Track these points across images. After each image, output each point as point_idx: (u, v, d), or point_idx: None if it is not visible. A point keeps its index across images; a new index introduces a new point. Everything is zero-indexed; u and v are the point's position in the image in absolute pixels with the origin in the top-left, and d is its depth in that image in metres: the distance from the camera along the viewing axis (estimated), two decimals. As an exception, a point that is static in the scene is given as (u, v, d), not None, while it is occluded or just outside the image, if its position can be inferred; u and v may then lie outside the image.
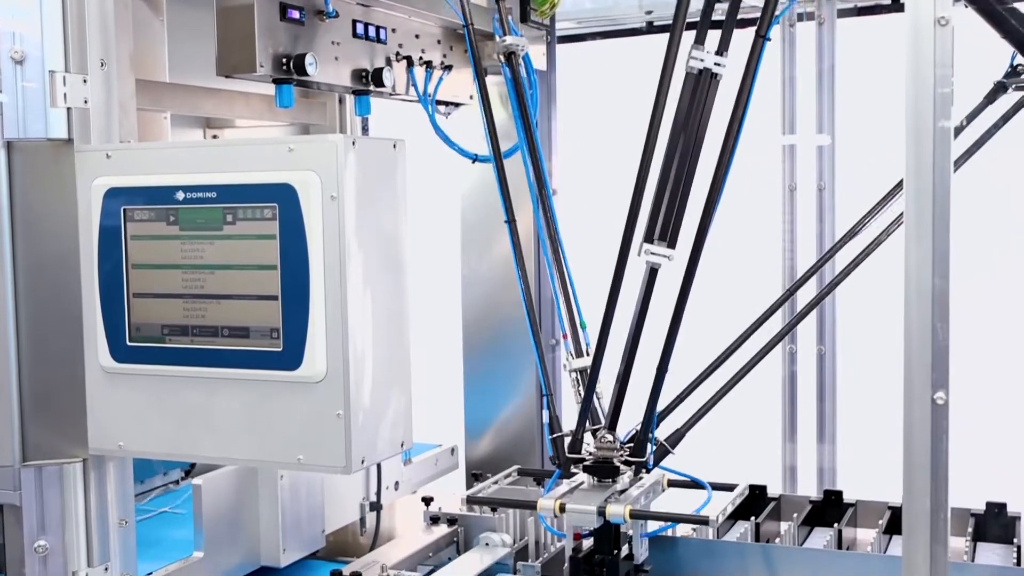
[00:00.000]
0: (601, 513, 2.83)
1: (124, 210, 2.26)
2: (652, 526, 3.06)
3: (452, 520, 3.31)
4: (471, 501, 3.14)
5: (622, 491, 2.94)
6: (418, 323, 2.45)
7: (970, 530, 3.23)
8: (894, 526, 3.30)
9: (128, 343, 2.28)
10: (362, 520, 3.46)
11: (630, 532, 3.02)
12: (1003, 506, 3.32)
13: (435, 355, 4.07)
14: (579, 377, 3.11)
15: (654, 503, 3.05)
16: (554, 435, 3.02)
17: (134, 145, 2.37)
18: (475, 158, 3.42)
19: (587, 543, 3.07)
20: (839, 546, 3.18)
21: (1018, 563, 3.03)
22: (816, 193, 3.99)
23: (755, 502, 3.52)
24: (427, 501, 3.40)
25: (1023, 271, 4.38)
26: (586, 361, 3.09)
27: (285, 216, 2.12)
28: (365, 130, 3.55)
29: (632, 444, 2.99)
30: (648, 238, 2.81)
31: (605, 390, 3.07)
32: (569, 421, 3.09)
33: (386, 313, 2.23)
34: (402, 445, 2.29)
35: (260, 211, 2.15)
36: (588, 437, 3.04)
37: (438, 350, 4.21)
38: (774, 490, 3.62)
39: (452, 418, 4.11)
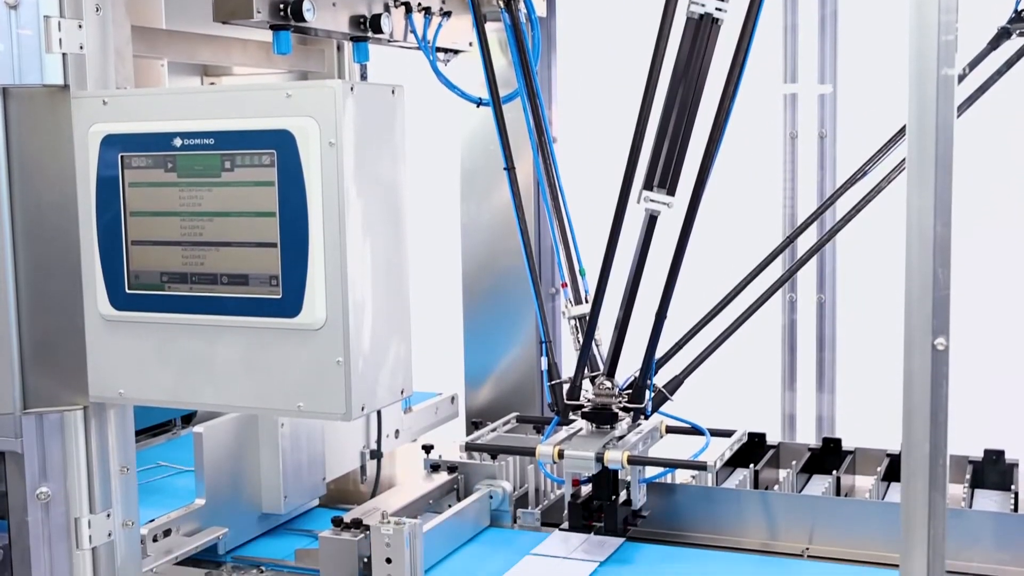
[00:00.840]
0: (599, 459, 2.85)
1: (121, 157, 2.25)
2: (650, 472, 3.08)
3: (452, 468, 3.33)
4: (470, 448, 3.16)
5: (620, 437, 2.96)
6: (418, 272, 2.45)
7: (968, 477, 3.25)
8: (893, 473, 3.32)
9: (127, 291, 2.27)
10: (363, 468, 3.48)
11: (628, 478, 3.04)
12: (1001, 453, 3.34)
13: (435, 304, 4.07)
14: (578, 324, 3.12)
15: (652, 449, 3.07)
16: (553, 382, 3.03)
17: (131, 91, 2.35)
18: (479, 102, 3.40)
19: (586, 489, 3.09)
20: (837, 493, 3.20)
21: (1015, 509, 3.05)
22: (817, 141, 3.97)
23: (754, 449, 3.54)
24: (427, 449, 3.41)
25: (1024, 219, 4.37)
26: (585, 308, 3.09)
27: (283, 163, 2.11)
28: (364, 77, 3.52)
29: (631, 391, 3.00)
30: (648, 185, 2.81)
31: (604, 337, 3.08)
32: (568, 368, 3.10)
33: (385, 260, 2.22)
34: (402, 392, 2.29)
35: (258, 158, 2.13)
36: (587, 384, 3.05)
37: (438, 299, 4.21)
38: (773, 438, 3.64)
39: (452, 367, 4.11)
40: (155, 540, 2.80)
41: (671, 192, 2.81)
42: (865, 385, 4.29)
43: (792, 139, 4.00)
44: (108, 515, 2.38)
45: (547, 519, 3.26)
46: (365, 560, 2.73)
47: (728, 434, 3.10)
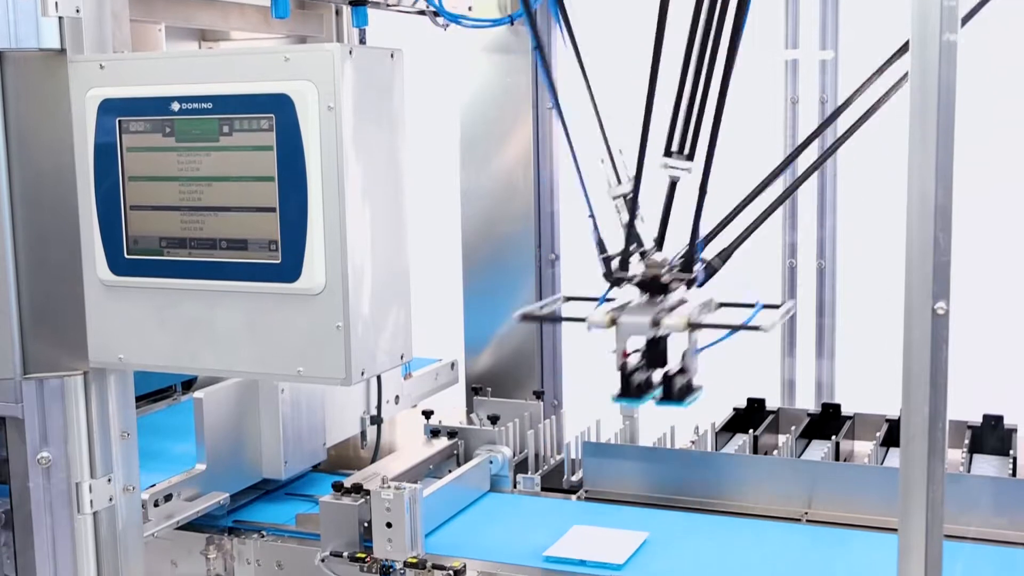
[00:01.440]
0: (656, 323, 2.77)
1: (119, 122, 2.24)
2: (703, 343, 3.00)
3: (452, 433, 3.34)
4: (526, 318, 3.02)
5: (672, 308, 2.87)
6: (417, 238, 2.44)
7: (967, 442, 3.26)
8: (892, 439, 3.32)
9: (126, 256, 2.27)
10: (363, 433, 3.49)
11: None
12: (1000, 419, 3.35)
13: (434, 270, 4.06)
14: (624, 200, 3.02)
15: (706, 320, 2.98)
16: (603, 255, 2.95)
17: (128, 55, 2.34)
18: (511, 19, 3.37)
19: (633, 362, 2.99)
20: (836, 458, 3.20)
21: (1014, 474, 3.05)
22: (818, 106, 3.95)
23: (753, 415, 3.55)
24: (427, 415, 3.42)
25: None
26: (626, 187, 3.01)
27: (282, 127, 2.10)
28: (362, 42, 3.50)
29: (681, 262, 2.92)
30: (667, 152, 2.78)
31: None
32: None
33: (385, 225, 2.22)
34: (402, 357, 2.29)
35: (256, 122, 2.12)
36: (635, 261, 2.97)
37: (437, 265, 4.20)
38: (772, 404, 3.64)
39: (452, 333, 4.12)
40: (156, 505, 2.81)
41: (690, 158, 2.78)
42: (864, 351, 4.30)
43: (793, 104, 3.99)
44: (109, 480, 2.39)
45: (547, 484, 3.28)
46: (365, 525, 2.74)
47: (776, 307, 3.02)
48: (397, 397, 3.63)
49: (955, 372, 1.83)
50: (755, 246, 3.09)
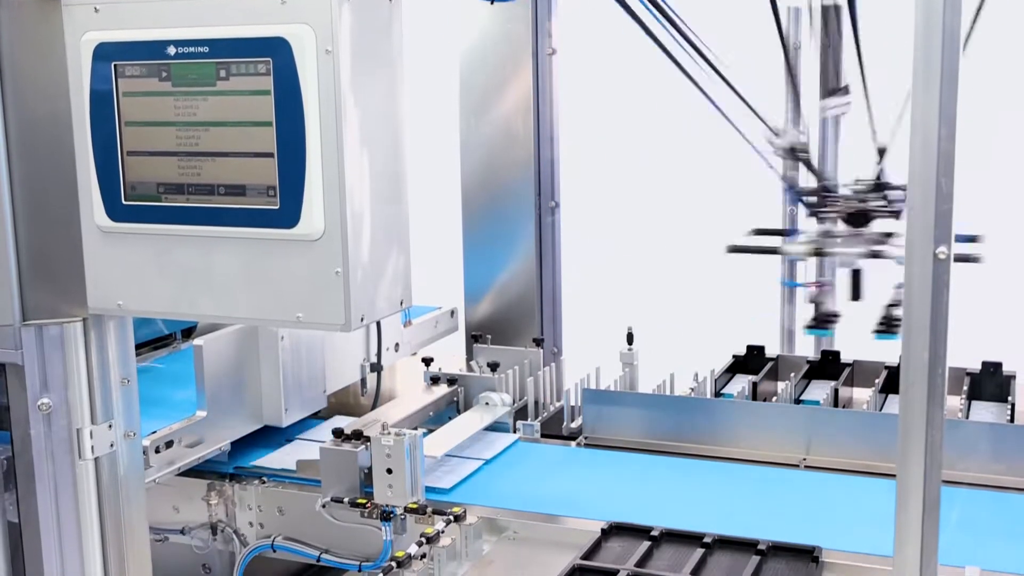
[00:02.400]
0: (875, 254, 2.70)
1: (115, 66, 2.21)
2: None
3: (452, 380, 3.35)
4: (733, 250, 2.97)
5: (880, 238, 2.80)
6: (417, 187, 2.43)
7: (965, 389, 3.27)
8: (891, 386, 3.33)
9: (124, 202, 2.26)
10: (363, 381, 3.50)
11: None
12: (999, 365, 3.36)
13: (434, 219, 4.05)
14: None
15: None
16: (796, 190, 2.88)
17: (123, -1, 2.31)
18: None
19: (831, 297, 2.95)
20: (835, 405, 3.21)
21: (1012, 420, 3.06)
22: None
23: (753, 361, 3.56)
24: (427, 362, 3.43)
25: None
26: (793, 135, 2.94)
27: (279, 71, 2.08)
28: (360, -14, 3.46)
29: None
30: None
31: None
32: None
33: (383, 170, 2.20)
34: (401, 303, 2.29)
35: (253, 66, 2.10)
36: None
37: (437, 214, 4.19)
38: (772, 351, 3.65)
39: (452, 282, 4.11)
40: (157, 451, 2.82)
41: None
42: (865, 299, 4.29)
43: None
44: (110, 426, 2.39)
45: (547, 430, 3.29)
46: (366, 471, 2.75)
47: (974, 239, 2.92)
48: (397, 345, 3.64)
49: (954, 319, 1.82)
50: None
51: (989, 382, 3.34)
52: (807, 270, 2.87)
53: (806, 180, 2.91)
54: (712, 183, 3.27)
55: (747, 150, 2.99)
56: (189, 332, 3.83)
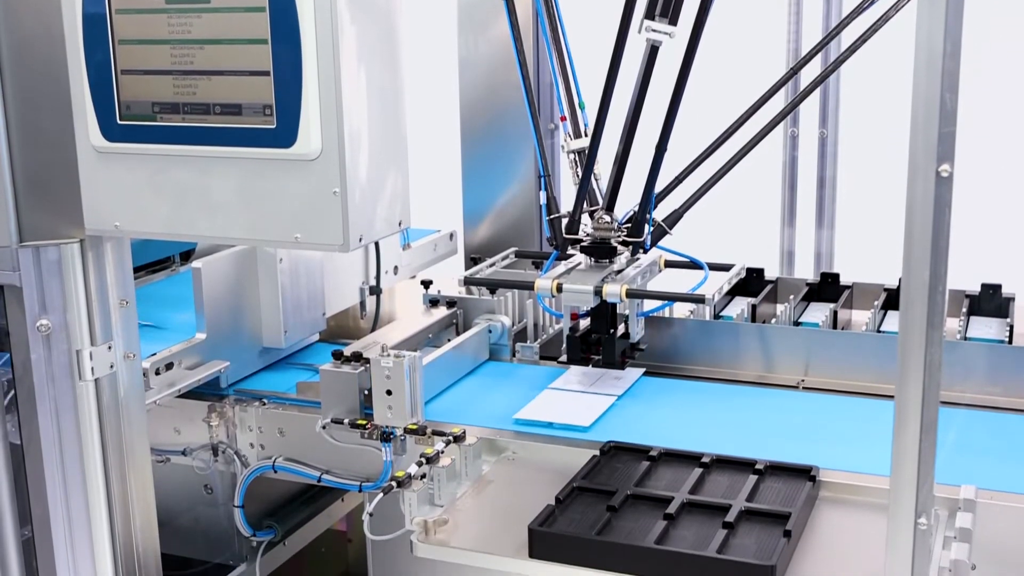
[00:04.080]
0: (598, 292, 2.86)
1: (107, -18, 2.18)
2: (649, 305, 3.10)
3: (451, 303, 3.34)
4: (469, 282, 3.16)
5: (619, 271, 2.96)
6: (415, 108, 2.40)
7: (964, 311, 3.26)
8: (889, 307, 3.32)
9: (119, 122, 2.24)
10: (362, 304, 3.50)
11: (627, 312, 3.05)
12: (998, 287, 3.35)
13: (432, 141, 4.02)
14: (577, 158, 3.09)
15: (651, 283, 3.08)
16: (551, 216, 3.02)
17: (115, -87, 2.26)
18: None
19: (585, 323, 3.11)
20: (834, 326, 3.21)
21: (1010, 341, 3.07)
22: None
23: (752, 284, 3.55)
24: (426, 284, 3.42)
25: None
26: (584, 142, 3.06)
27: (274, -13, 2.04)
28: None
29: (630, 225, 2.99)
30: (649, 14, 2.73)
31: (603, 171, 3.05)
32: (567, 204, 3.08)
33: (381, 90, 2.18)
34: (400, 224, 2.28)
35: (248, -18, 2.07)
36: (586, 219, 3.04)
37: (435, 135, 4.16)
38: (771, 274, 3.64)
39: (451, 204, 4.09)
40: (157, 373, 2.83)
41: (673, 22, 2.74)
42: (865, 222, 4.29)
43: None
44: (109, 347, 2.39)
45: (545, 353, 3.30)
46: (366, 392, 2.76)
47: (727, 268, 3.10)
48: (396, 267, 3.63)
49: (954, 241, 1.81)
50: (759, 115, 3.06)
51: (988, 303, 3.33)
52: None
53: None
54: (715, 102, 3.24)
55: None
56: (187, 255, 3.83)
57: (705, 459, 2.52)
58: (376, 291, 3.48)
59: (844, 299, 3.37)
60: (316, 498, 3.42)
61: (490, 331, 3.27)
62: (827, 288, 3.51)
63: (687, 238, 3.12)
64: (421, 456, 2.52)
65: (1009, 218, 4.46)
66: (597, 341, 3.07)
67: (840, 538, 2.31)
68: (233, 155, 2.16)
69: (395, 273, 3.62)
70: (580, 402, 2.91)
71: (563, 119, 3.13)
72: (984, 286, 3.35)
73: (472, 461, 2.61)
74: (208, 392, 3.00)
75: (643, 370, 3.11)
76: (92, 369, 2.37)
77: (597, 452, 2.59)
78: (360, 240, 2.14)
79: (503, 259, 3.35)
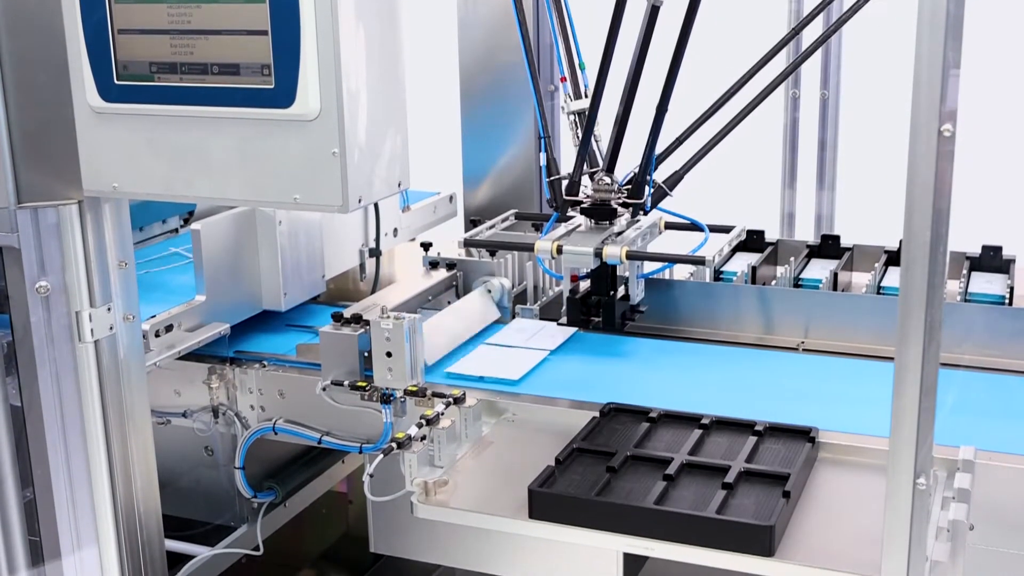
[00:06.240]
0: (598, 254, 2.85)
1: (103, -60, 2.16)
2: (648, 268, 3.09)
3: (451, 265, 3.34)
4: (468, 244, 3.16)
5: (619, 233, 2.95)
6: (414, 69, 2.39)
7: (965, 272, 3.26)
8: (891, 265, 3.32)
9: (116, 82, 2.22)
10: (362, 266, 3.49)
11: (627, 274, 3.05)
12: (999, 249, 3.34)
13: (432, 102, 4.00)
14: (577, 119, 3.08)
15: (651, 245, 3.07)
16: (552, 177, 3.01)
17: None
18: None
19: (584, 285, 3.11)
20: (834, 288, 3.21)
21: (1010, 302, 3.06)
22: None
23: (753, 246, 3.54)
24: (426, 247, 3.42)
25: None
26: (584, 103, 3.04)
27: (271, -55, 2.02)
28: None
29: (630, 187, 2.98)
30: None
31: (603, 133, 3.04)
32: (567, 165, 3.07)
33: (379, 50, 2.16)
34: (399, 185, 2.27)
35: (245, -60, 2.04)
36: (586, 181, 3.03)
37: (435, 97, 4.14)
38: (772, 236, 3.63)
39: (450, 166, 4.08)
40: (157, 335, 2.83)
41: None
42: (866, 184, 4.27)
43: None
44: (109, 309, 2.39)
45: (545, 315, 3.29)
46: (365, 354, 2.76)
47: (727, 230, 3.09)
48: (396, 230, 3.62)
49: (955, 203, 1.81)
50: (760, 76, 3.05)
51: (989, 265, 3.33)
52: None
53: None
54: (717, 63, 3.22)
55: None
56: (187, 217, 3.82)
57: (705, 420, 2.52)
58: (376, 253, 3.47)
59: (844, 261, 3.36)
60: (317, 460, 3.43)
61: (489, 292, 3.27)
62: (827, 250, 3.50)
63: (688, 200, 3.12)
64: (421, 417, 2.52)
65: (1011, 180, 4.45)
66: (597, 303, 3.07)
67: (839, 499, 2.32)
68: (231, 116, 2.14)
69: (395, 235, 3.62)
70: (513, 356, 2.93)
71: (563, 80, 3.12)
72: (985, 247, 3.34)
73: (472, 423, 2.61)
74: (208, 354, 3.00)
75: (575, 329, 3.10)
76: (92, 331, 2.36)
77: (597, 413, 2.59)
78: (359, 201, 2.13)
79: (503, 221, 3.35)
